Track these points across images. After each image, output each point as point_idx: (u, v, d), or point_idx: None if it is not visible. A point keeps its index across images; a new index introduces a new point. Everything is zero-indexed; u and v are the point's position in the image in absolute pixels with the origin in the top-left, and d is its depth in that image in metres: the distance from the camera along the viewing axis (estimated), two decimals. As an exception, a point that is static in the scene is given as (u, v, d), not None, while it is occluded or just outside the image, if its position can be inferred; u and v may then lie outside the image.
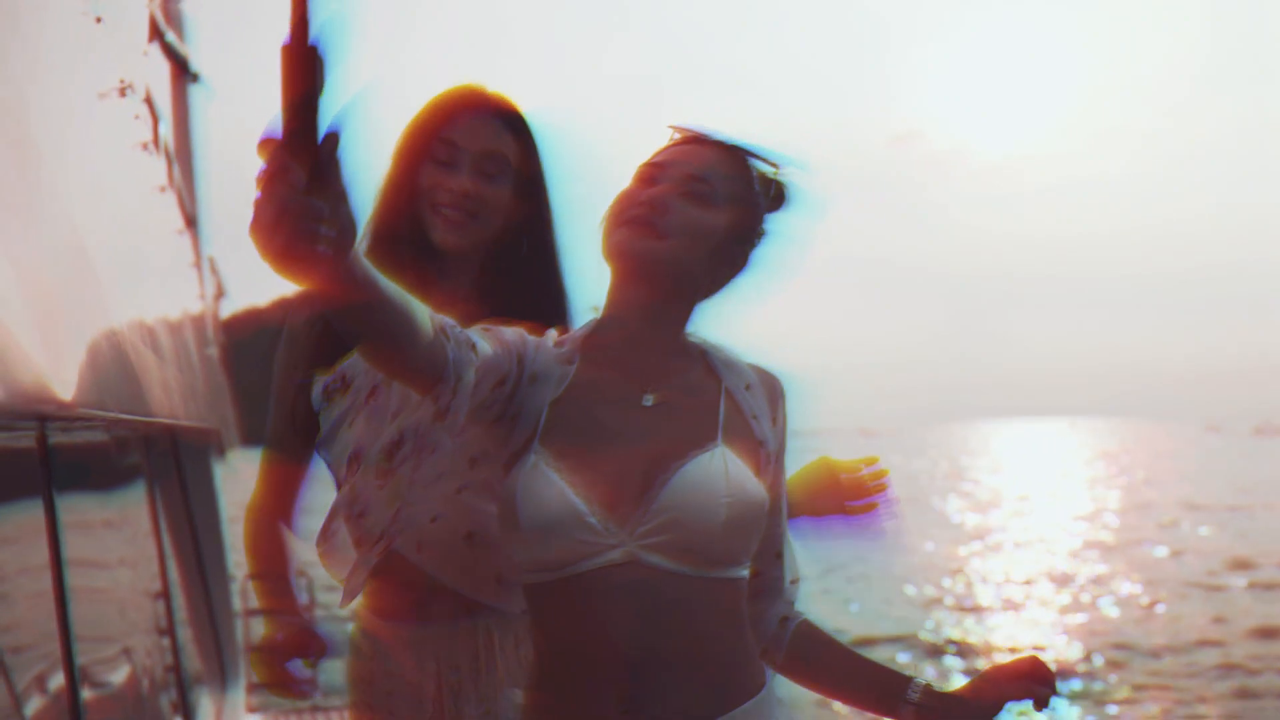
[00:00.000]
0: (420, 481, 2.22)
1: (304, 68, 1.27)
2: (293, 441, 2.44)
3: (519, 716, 2.02)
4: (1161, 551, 27.75)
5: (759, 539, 1.96)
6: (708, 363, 2.06)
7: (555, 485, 1.87)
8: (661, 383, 2.00)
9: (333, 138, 1.31)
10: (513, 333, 1.98)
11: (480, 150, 2.35)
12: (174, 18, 7.85)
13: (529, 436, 1.92)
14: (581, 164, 2.46)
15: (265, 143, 1.30)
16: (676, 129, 2.07)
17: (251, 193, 1.32)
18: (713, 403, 2.00)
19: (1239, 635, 17.81)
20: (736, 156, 2.02)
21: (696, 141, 2.02)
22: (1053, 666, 1.98)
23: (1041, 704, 1.95)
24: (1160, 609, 20.50)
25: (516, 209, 2.40)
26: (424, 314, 1.67)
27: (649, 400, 1.98)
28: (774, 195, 2.04)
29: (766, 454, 2.01)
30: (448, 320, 1.78)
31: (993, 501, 40.44)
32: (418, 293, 1.61)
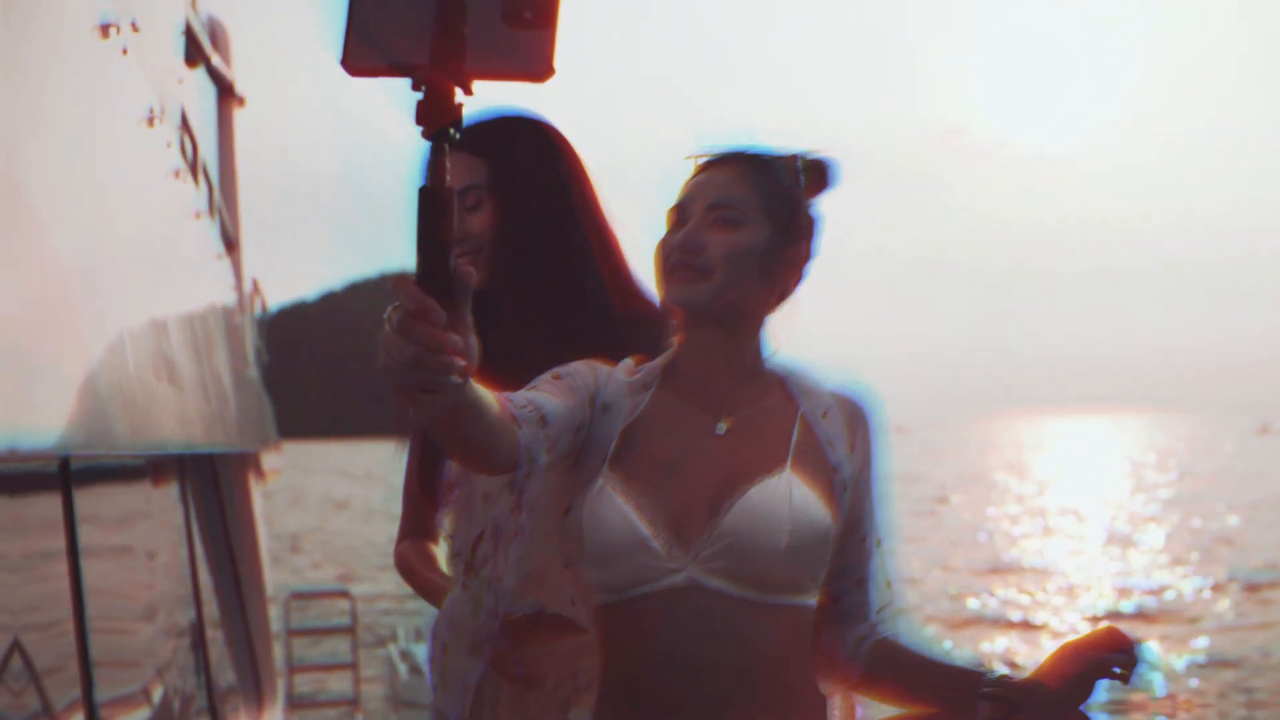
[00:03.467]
0: (504, 573, 2.21)
1: (440, 209, 1.34)
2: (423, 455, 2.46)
3: None
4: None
5: (824, 566, 1.95)
6: (786, 388, 2.05)
7: (621, 509, 1.89)
8: (735, 411, 2.00)
9: (466, 274, 1.37)
10: (583, 373, 2.00)
11: (458, 187, 2.32)
12: (218, 39, 7.91)
13: (599, 462, 1.95)
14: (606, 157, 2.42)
15: (399, 281, 1.34)
16: (691, 158, 2.06)
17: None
18: (786, 429, 1.99)
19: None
20: (753, 164, 2.01)
21: (709, 168, 2.02)
22: (1131, 635, 1.84)
23: (1125, 677, 1.83)
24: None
25: (501, 234, 2.36)
26: (495, 406, 1.68)
27: (722, 428, 1.98)
28: (811, 178, 2.03)
29: (841, 481, 1.99)
30: (516, 402, 1.80)
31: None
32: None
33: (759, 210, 1.96)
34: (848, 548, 2.02)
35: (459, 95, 1.35)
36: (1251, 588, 23.53)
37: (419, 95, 1.35)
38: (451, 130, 1.35)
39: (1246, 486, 51.10)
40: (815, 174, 2.03)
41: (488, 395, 1.63)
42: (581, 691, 2.29)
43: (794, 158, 2.02)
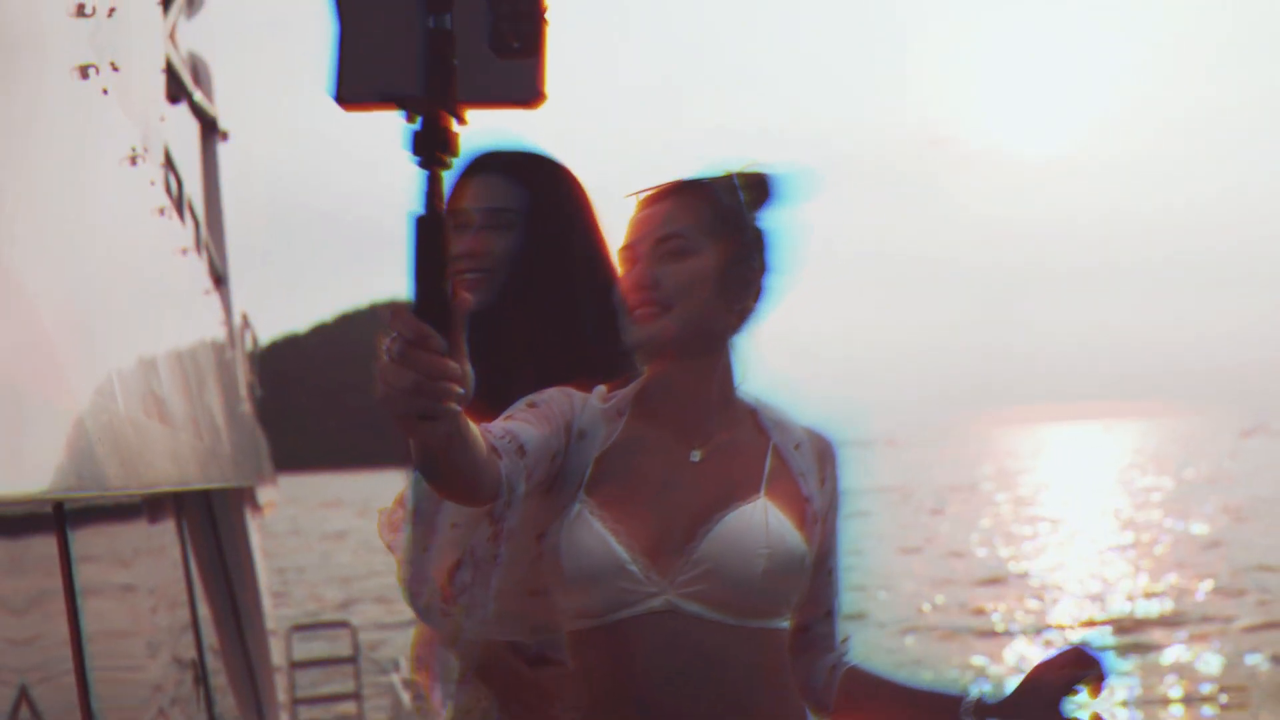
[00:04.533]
0: (481, 601, 2.22)
1: (436, 238, 1.34)
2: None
3: None
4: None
5: (799, 591, 1.98)
6: (758, 421, 2.08)
7: (599, 534, 1.91)
8: (708, 439, 2.02)
9: (463, 301, 1.37)
10: (558, 401, 2.02)
11: (485, 207, 2.36)
12: (200, 74, 7.92)
13: (575, 488, 1.96)
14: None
15: (397, 310, 1.35)
16: (631, 195, 2.07)
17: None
18: (759, 458, 2.02)
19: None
20: (691, 191, 2.02)
21: (650, 203, 2.03)
22: (1096, 652, 1.95)
23: (1095, 690, 1.92)
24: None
25: (529, 256, 2.38)
26: (480, 438, 1.68)
27: (696, 456, 2.01)
28: (752, 193, 2.03)
29: (813, 511, 2.02)
30: (495, 433, 1.81)
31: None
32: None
33: (705, 235, 1.98)
34: (817, 579, 2.07)
35: (454, 125, 1.36)
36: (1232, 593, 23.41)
37: (413, 126, 1.36)
38: (447, 160, 1.36)
39: (1231, 489, 51.24)
40: (754, 188, 2.04)
41: (474, 427, 1.62)
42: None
43: (730, 176, 2.03)
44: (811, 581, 2.04)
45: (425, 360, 1.34)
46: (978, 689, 2.01)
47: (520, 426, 1.89)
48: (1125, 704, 14.47)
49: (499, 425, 1.87)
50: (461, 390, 1.39)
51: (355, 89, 1.39)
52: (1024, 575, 27.27)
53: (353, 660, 11.64)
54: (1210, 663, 17.04)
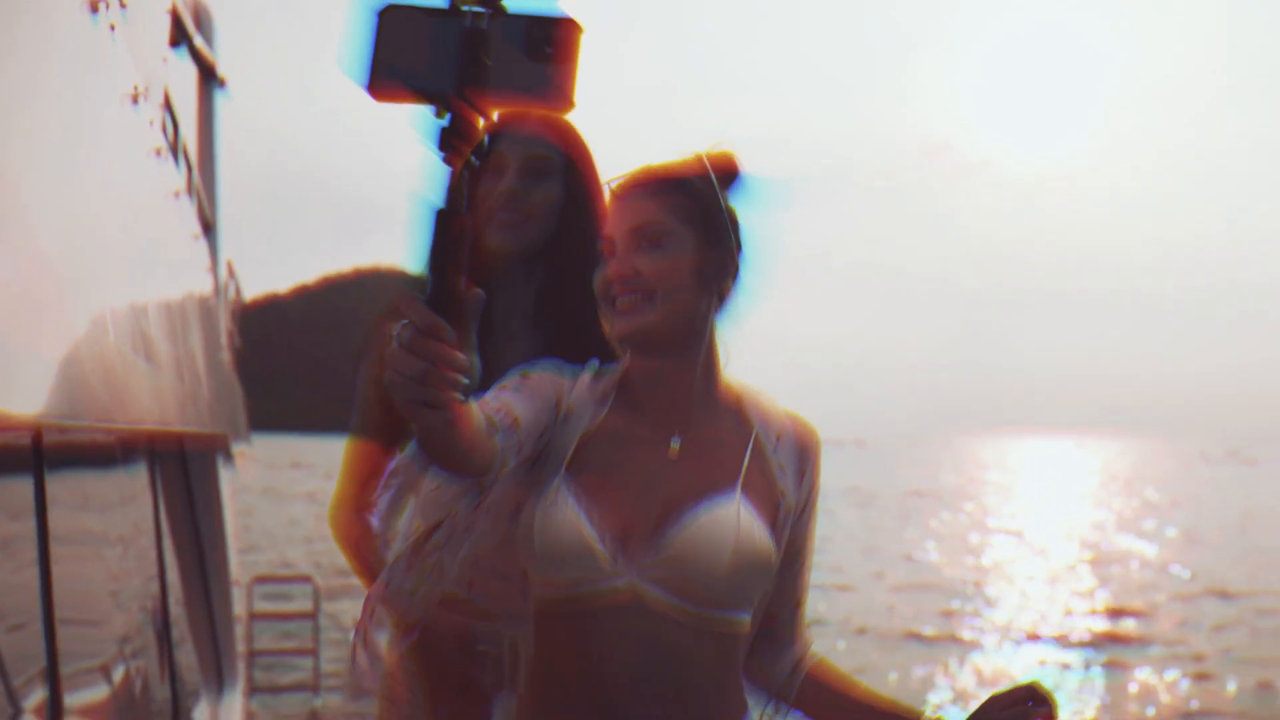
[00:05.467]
0: (448, 564, 2.25)
1: (457, 234, 1.39)
2: (384, 431, 2.46)
3: None
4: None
5: (762, 589, 2.01)
6: (742, 411, 2.09)
7: (572, 512, 1.94)
8: (690, 430, 2.04)
9: (476, 297, 1.42)
10: (550, 377, 2.05)
11: (525, 154, 2.39)
12: (202, 21, 7.88)
13: (556, 466, 1.99)
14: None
15: (410, 301, 1.40)
16: (607, 183, 2.09)
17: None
18: (738, 452, 2.04)
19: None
20: (662, 179, 2.03)
21: (624, 193, 2.05)
22: (1051, 689, 1.96)
23: None
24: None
25: (568, 207, 2.42)
26: (479, 415, 1.73)
27: (676, 445, 2.03)
28: (721, 174, 2.05)
29: (787, 507, 2.04)
30: (491, 405, 1.86)
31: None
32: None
33: (680, 222, 1.99)
34: (789, 573, 2.09)
35: (480, 124, 1.40)
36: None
37: (440, 121, 1.39)
38: (473, 159, 1.39)
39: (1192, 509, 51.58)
40: (723, 168, 2.05)
41: (473, 405, 1.66)
42: (499, 677, 2.36)
43: (700, 160, 2.04)
44: (782, 575, 2.06)
45: (434, 349, 1.39)
46: (934, 711, 2.03)
47: (515, 399, 1.93)
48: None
49: (495, 398, 1.90)
50: (466, 381, 1.44)
51: (387, 82, 1.42)
52: (970, 584, 27.30)
53: (312, 616, 11.64)
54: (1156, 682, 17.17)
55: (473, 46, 1.38)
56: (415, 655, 2.44)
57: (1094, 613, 23.30)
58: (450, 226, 1.39)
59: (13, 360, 1.65)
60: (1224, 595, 25.46)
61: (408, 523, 2.31)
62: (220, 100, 8.54)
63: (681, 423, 2.05)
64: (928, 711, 2.03)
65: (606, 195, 2.08)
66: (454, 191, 1.39)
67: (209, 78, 8.34)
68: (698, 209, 2.01)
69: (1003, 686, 2.01)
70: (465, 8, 1.40)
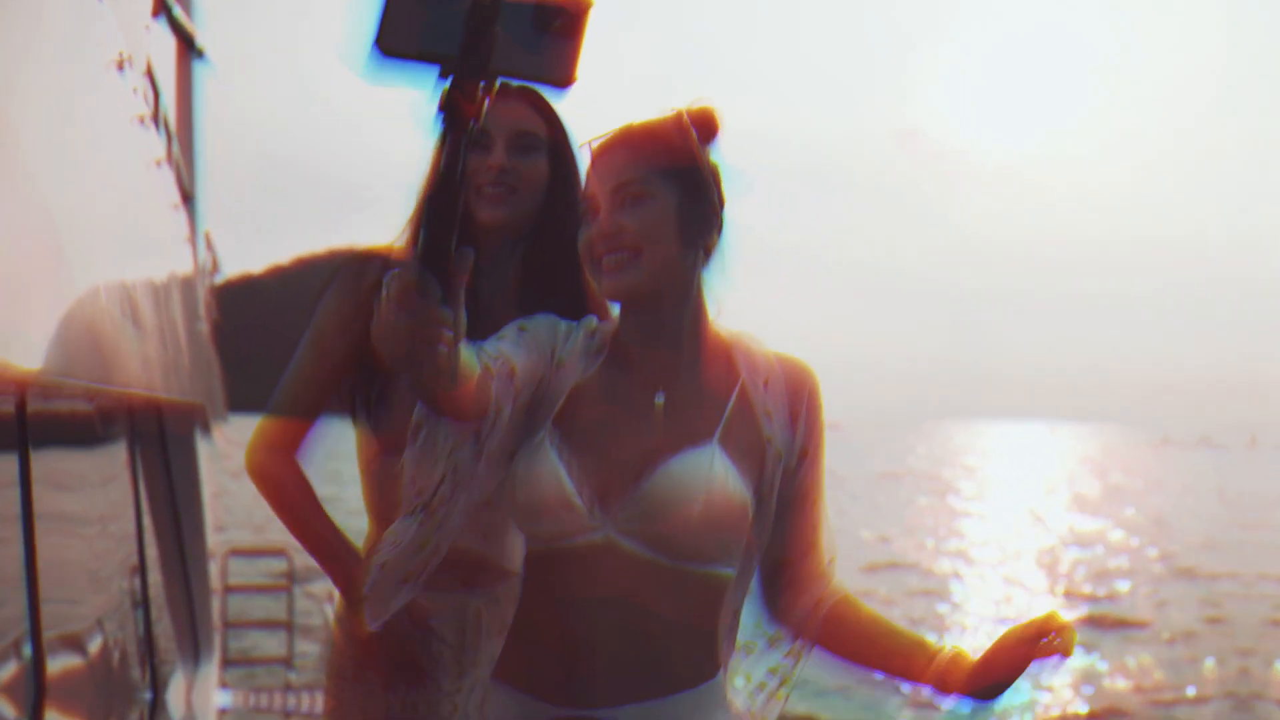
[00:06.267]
0: (454, 515, 2.28)
1: (453, 196, 1.42)
2: (318, 393, 2.50)
3: (490, 673, 2.12)
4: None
5: (739, 539, 2.02)
6: (731, 360, 2.11)
7: (552, 465, 1.98)
8: (676, 382, 2.06)
9: (465, 255, 1.45)
10: (546, 328, 2.08)
11: (511, 129, 2.43)
12: (182, -9, 7.82)
13: (544, 417, 2.03)
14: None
15: (402, 255, 1.41)
16: (584, 145, 2.11)
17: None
18: (721, 401, 2.06)
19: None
20: (641, 136, 2.05)
21: (604, 152, 2.06)
22: (1065, 618, 1.93)
23: (1067, 653, 1.91)
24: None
25: (553, 183, 2.47)
26: (473, 359, 1.77)
27: (660, 398, 2.05)
28: (701, 128, 2.07)
29: (775, 452, 2.05)
30: (489, 352, 1.90)
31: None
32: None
33: (661, 178, 2.01)
34: (796, 517, 2.10)
35: (482, 93, 1.42)
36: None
37: (444, 87, 1.41)
38: (472, 123, 1.41)
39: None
40: (703, 123, 2.07)
41: (466, 351, 1.69)
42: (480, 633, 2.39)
43: (680, 115, 2.06)
44: (790, 520, 2.08)
45: (420, 306, 1.43)
46: (952, 646, 2.02)
47: (512, 349, 1.96)
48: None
49: (494, 346, 1.94)
50: (451, 335, 1.48)
51: (397, 40, 1.44)
52: (940, 565, 27.39)
53: (287, 589, 11.64)
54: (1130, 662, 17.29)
55: (481, 14, 1.39)
56: (366, 631, 2.47)
57: (1068, 593, 23.46)
58: (447, 188, 1.41)
59: (13, 317, 1.66)
60: (1192, 575, 25.68)
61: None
62: (200, 71, 8.50)
63: (668, 377, 2.07)
64: (946, 648, 2.02)
65: (587, 155, 2.10)
66: (453, 157, 1.41)
67: (189, 48, 8.29)
68: (678, 165, 2.03)
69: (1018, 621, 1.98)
70: None
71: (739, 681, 2.15)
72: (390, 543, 2.09)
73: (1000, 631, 1.98)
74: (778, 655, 2.15)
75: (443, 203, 1.42)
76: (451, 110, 1.41)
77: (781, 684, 2.16)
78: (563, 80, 1.51)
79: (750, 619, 2.15)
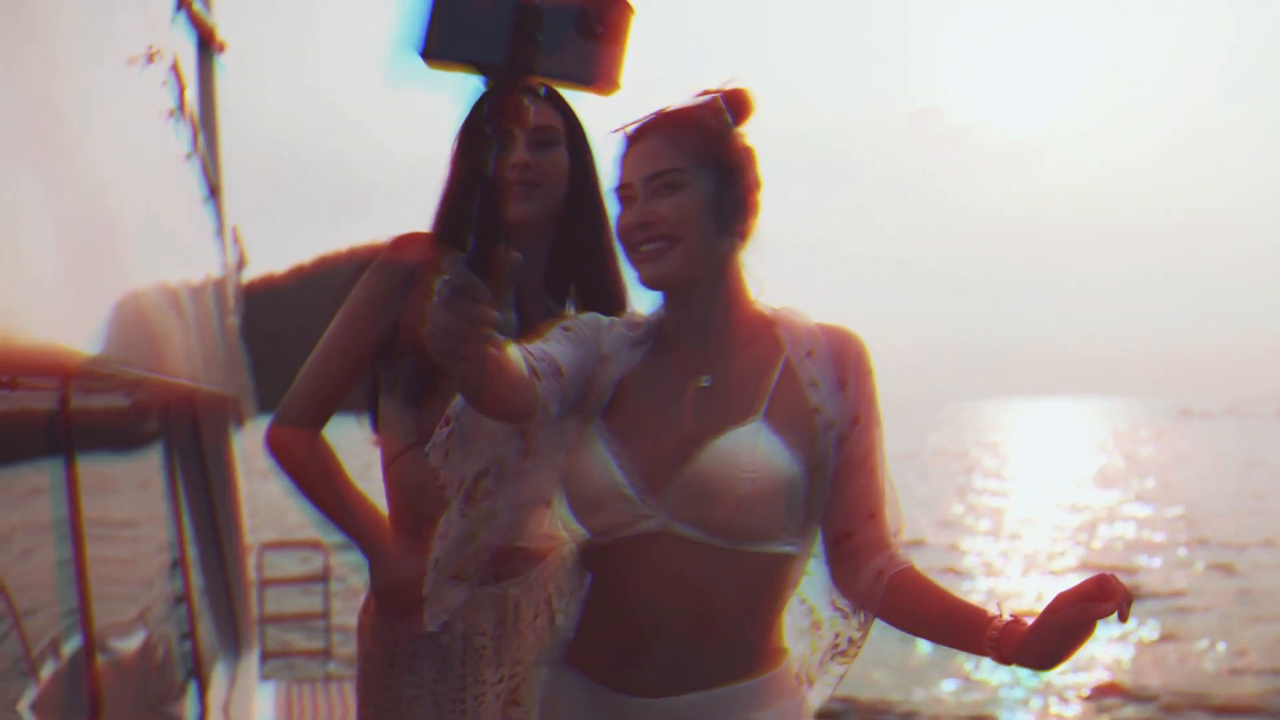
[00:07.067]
0: (501, 510, 2.29)
1: (500, 200, 1.43)
2: (349, 372, 2.53)
3: (561, 659, 2.12)
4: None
5: (793, 514, 2.00)
6: (775, 335, 2.10)
7: (602, 459, 2.00)
8: (721, 364, 2.06)
9: (515, 259, 1.47)
10: (590, 324, 2.11)
11: (531, 124, 2.43)
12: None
13: (594, 412, 2.06)
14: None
15: (451, 259, 1.46)
16: (618, 131, 2.10)
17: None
18: (766, 377, 2.05)
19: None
20: (676, 122, 2.05)
21: (638, 139, 2.06)
22: (1120, 581, 1.83)
23: (1124, 616, 1.80)
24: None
25: (574, 175, 2.50)
26: (520, 359, 1.79)
27: (707, 380, 2.05)
28: (736, 110, 2.06)
29: (825, 421, 2.03)
30: (535, 354, 1.92)
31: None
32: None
33: (696, 164, 2.01)
34: (853, 484, 2.06)
35: (527, 99, 1.43)
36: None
37: (488, 93, 1.44)
38: (515, 130, 1.43)
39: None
40: (738, 105, 2.06)
41: (514, 353, 1.72)
42: (558, 616, 2.39)
43: (716, 99, 2.05)
44: (847, 487, 2.04)
45: (469, 308, 1.45)
46: (1008, 612, 1.93)
47: (558, 349, 1.98)
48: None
49: (539, 348, 1.96)
50: (501, 337, 1.52)
51: (441, 47, 1.47)
52: (951, 542, 27.33)
53: (323, 580, 11.69)
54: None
55: (525, 22, 1.40)
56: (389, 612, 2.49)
57: (1096, 567, 23.42)
58: (493, 193, 1.43)
59: (75, 303, 1.67)
60: (1222, 546, 25.58)
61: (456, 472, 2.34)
62: (220, 66, 8.51)
63: (711, 357, 2.07)
64: (1004, 614, 1.92)
65: (621, 141, 2.09)
66: (499, 161, 1.42)
67: (208, 44, 8.30)
68: (713, 150, 2.02)
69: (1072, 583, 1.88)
70: None
71: (804, 652, 2.14)
72: (438, 538, 2.10)
73: (1043, 601, 1.91)
74: (843, 626, 2.13)
75: (488, 207, 1.44)
76: (496, 117, 1.42)
77: (845, 654, 2.15)
78: (608, 87, 1.54)
79: (816, 592, 2.13)
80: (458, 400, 2.05)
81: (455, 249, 1.47)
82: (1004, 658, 1.88)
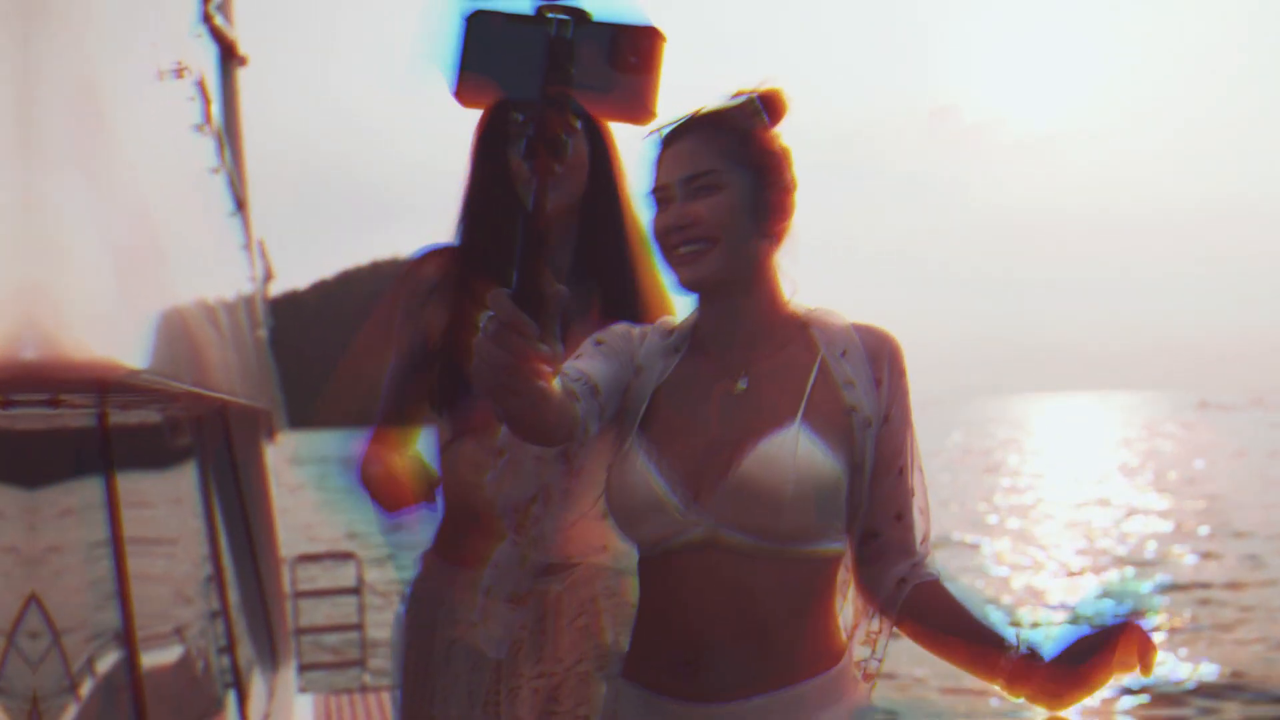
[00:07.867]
0: (549, 533, 2.32)
1: (542, 235, 1.44)
2: (414, 395, 2.57)
3: (619, 674, 2.10)
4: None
5: (837, 514, 1.98)
6: (809, 336, 2.08)
7: (642, 471, 1.97)
8: (756, 367, 2.04)
9: (559, 292, 1.48)
10: (623, 336, 2.09)
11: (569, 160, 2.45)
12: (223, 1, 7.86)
13: (631, 424, 2.04)
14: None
15: (496, 295, 1.46)
16: (653, 133, 2.07)
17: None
18: (802, 379, 2.03)
19: None
20: (712, 124, 2.03)
21: (673, 141, 2.04)
22: (1149, 632, 1.75)
23: (1146, 669, 1.73)
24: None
25: (596, 165, 2.50)
26: (555, 383, 1.77)
27: (743, 384, 2.03)
28: (771, 111, 2.04)
29: (862, 419, 2.00)
30: (570, 375, 1.92)
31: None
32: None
33: (732, 165, 1.99)
34: (883, 483, 2.03)
35: (564, 132, 1.43)
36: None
37: (527, 129, 1.50)
38: (554, 164, 1.43)
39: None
40: (773, 105, 2.05)
41: (553, 380, 1.71)
42: (600, 618, 2.38)
43: (752, 99, 2.03)
44: (876, 486, 2.01)
45: (517, 344, 1.47)
46: (1027, 641, 1.85)
47: (592, 365, 1.98)
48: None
49: (573, 367, 1.95)
50: (548, 370, 1.54)
51: (474, 88, 1.48)
52: (974, 538, 27.23)
53: (356, 591, 11.70)
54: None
55: (558, 54, 1.41)
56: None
57: (1118, 559, 23.32)
58: (536, 228, 1.44)
59: (123, 316, 1.68)
60: (1247, 537, 25.47)
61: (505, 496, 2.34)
62: (242, 80, 8.54)
63: (747, 361, 2.05)
64: (1020, 647, 1.84)
65: (656, 143, 2.08)
66: (539, 196, 1.44)
67: (230, 56, 8.34)
68: (750, 151, 2.01)
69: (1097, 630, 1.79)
70: (551, 15, 1.44)
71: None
72: (491, 566, 2.12)
73: (1058, 620, 1.84)
74: (871, 626, 2.09)
75: (530, 242, 1.45)
76: (534, 155, 1.42)
77: (873, 654, 2.12)
78: (644, 116, 1.54)
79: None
80: (503, 431, 2.06)
81: (499, 284, 1.48)
82: (1015, 691, 1.84)
